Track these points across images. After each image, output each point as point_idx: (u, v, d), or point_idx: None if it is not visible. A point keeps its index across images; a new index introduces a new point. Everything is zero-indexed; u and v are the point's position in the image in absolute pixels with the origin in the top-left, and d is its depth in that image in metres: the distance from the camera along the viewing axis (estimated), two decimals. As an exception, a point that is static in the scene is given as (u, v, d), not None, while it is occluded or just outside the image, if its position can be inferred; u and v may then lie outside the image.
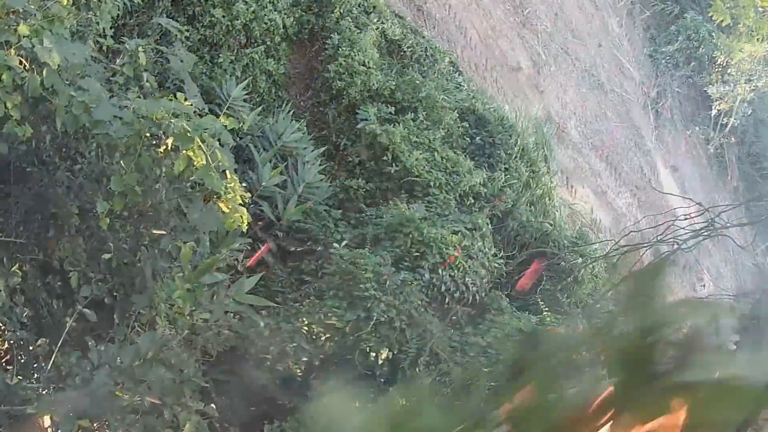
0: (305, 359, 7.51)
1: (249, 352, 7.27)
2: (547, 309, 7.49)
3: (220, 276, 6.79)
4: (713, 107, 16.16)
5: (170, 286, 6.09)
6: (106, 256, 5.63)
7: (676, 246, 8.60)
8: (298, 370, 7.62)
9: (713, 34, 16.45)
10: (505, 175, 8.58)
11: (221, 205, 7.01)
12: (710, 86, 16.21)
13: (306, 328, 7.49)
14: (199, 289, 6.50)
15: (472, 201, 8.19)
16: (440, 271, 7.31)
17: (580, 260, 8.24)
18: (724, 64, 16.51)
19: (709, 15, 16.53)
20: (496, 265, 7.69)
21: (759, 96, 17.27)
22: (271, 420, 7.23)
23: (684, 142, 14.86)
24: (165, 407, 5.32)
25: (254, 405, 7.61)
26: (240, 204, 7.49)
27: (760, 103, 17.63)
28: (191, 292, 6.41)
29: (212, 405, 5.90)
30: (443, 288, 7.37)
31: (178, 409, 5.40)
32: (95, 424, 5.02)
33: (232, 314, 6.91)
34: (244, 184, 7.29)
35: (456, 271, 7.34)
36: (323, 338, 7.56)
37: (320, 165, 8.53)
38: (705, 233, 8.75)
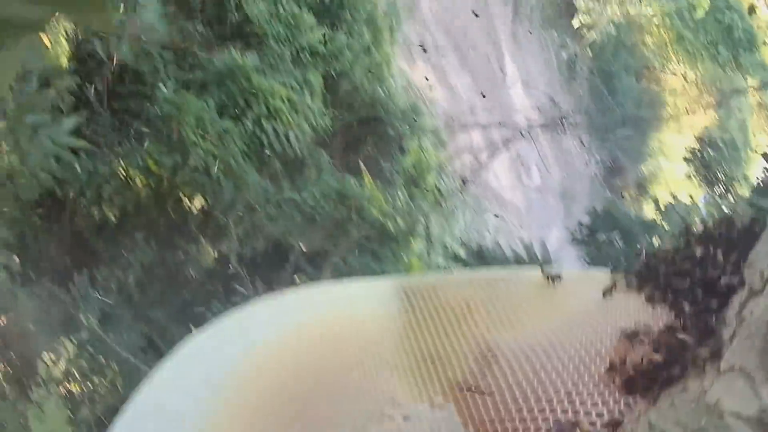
0: (120, 204, 7.29)
1: (66, 198, 6.97)
2: (368, 173, 7.49)
3: (43, 117, 6.38)
4: (577, 17, 16.40)
5: (-12, 126, 5.72)
6: None
7: (514, 133, 8.74)
8: (113, 216, 7.39)
9: (598, -53, 16.54)
10: (347, 38, 8.37)
11: (44, 39, 6.57)
12: (579, -3, 16.40)
13: (124, 172, 7.20)
14: (19, 130, 6.13)
15: (308, 58, 7.97)
16: (263, 122, 7.13)
17: (408, 131, 8.25)
18: (599, -20, 16.69)
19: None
20: (323, 124, 7.57)
21: (628, 22, 17.68)
22: (82, 268, 7.02)
23: (538, 42, 15.08)
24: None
25: (68, 253, 7.37)
26: (65, 39, 6.99)
27: (625, 29, 18.06)
28: (10, 132, 6.06)
29: (14, 257, 5.65)
30: (265, 140, 7.20)
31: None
32: None
33: (51, 157, 6.54)
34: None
35: (280, 125, 7.17)
36: (139, 183, 7.31)
37: (160, 6, 8.04)
38: (549, 126, 8.95)
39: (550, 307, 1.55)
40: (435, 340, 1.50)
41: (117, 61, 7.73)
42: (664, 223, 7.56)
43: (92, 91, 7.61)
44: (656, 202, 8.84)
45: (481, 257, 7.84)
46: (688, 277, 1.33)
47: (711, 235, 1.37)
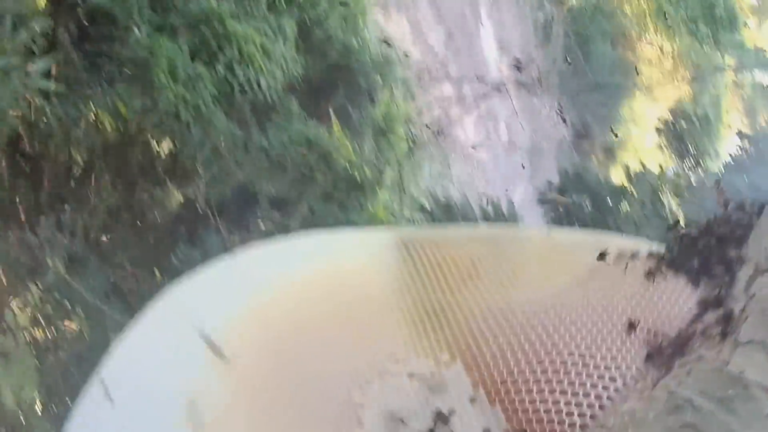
0: (88, 147, 7.26)
1: (35, 141, 6.93)
2: (338, 122, 7.52)
3: (15, 60, 6.33)
4: (556, -20, 16.43)
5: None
6: None
7: (486, 89, 8.78)
8: (80, 160, 7.37)
9: None
10: (322, -14, 8.37)
11: (18, -22, 6.47)
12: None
13: (93, 115, 7.16)
14: (-8, 74, 6.08)
15: (284, 6, 7.95)
16: (235, 67, 7.11)
17: (380, 82, 8.29)
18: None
19: None
20: (295, 72, 7.56)
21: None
22: (47, 212, 7.00)
23: (516, 2, 15.08)
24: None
25: (35, 197, 7.34)
26: (42, -22, 6.91)
27: (605, -1, 18.12)
28: (-18, 76, 6.00)
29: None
30: (236, 85, 7.19)
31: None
32: None
33: (22, 100, 6.51)
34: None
35: (252, 71, 7.16)
36: (108, 127, 7.28)
37: (133, -54, 7.96)
38: (522, 85, 9.02)
39: (554, 270, 1.54)
40: (439, 295, 1.46)
41: (90, 3, 7.66)
42: (634, 189, 7.66)
43: (65, 33, 7.56)
44: (627, 168, 8.96)
45: (448, 211, 7.94)
46: (709, 255, 1.37)
47: (728, 218, 1.41)
